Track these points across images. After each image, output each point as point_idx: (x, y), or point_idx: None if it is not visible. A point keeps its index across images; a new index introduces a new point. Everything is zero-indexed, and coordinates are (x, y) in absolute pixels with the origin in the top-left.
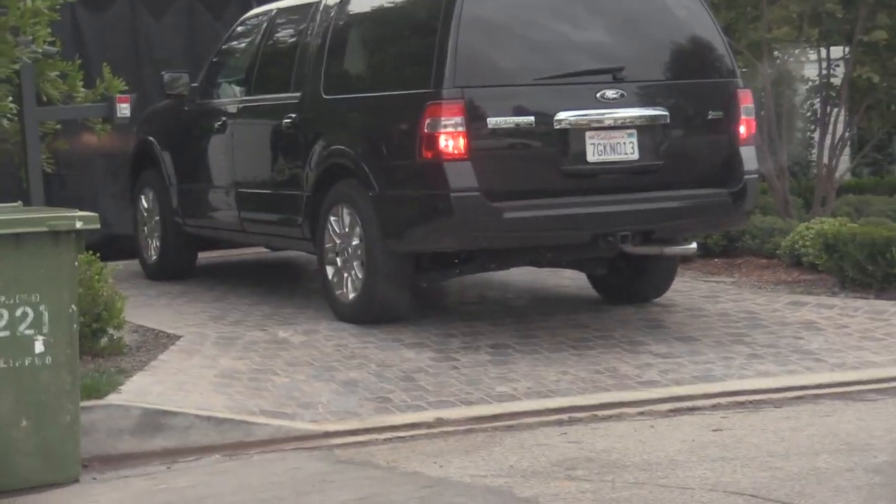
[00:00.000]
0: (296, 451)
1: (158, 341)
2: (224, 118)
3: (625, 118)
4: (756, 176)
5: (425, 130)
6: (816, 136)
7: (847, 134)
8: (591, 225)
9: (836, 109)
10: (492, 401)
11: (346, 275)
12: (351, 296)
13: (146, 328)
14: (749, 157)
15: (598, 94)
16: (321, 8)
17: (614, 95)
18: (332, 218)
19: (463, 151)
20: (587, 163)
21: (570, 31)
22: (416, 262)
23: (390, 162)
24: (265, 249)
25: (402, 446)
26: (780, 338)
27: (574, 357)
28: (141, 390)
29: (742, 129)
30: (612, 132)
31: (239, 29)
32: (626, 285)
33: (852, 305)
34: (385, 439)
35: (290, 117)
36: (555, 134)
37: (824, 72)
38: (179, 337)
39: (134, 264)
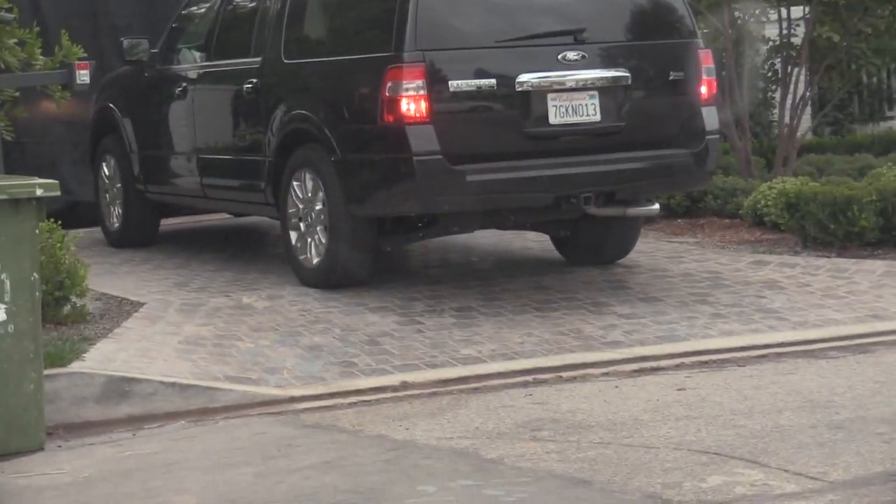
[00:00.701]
0: (261, 416)
1: (122, 309)
2: (184, 84)
3: (586, 80)
4: (717, 136)
5: (387, 94)
6: (777, 96)
7: (808, 94)
8: (553, 187)
9: (796, 69)
10: (457, 363)
11: (309, 240)
12: (315, 261)
13: (109, 296)
14: (710, 117)
15: (559, 56)
16: None
17: (575, 57)
18: (294, 183)
19: (424, 115)
20: (549, 125)
21: None
22: (379, 226)
23: (352, 126)
24: (228, 215)
25: (367, 410)
26: (742, 297)
27: (538, 319)
28: (105, 358)
29: (703, 90)
30: (573, 94)
31: None
32: (590, 247)
33: (814, 264)
34: (350, 403)
35: (250, 82)
36: (516, 96)
37: (785, 32)
38: (143, 304)
39: (96, 232)
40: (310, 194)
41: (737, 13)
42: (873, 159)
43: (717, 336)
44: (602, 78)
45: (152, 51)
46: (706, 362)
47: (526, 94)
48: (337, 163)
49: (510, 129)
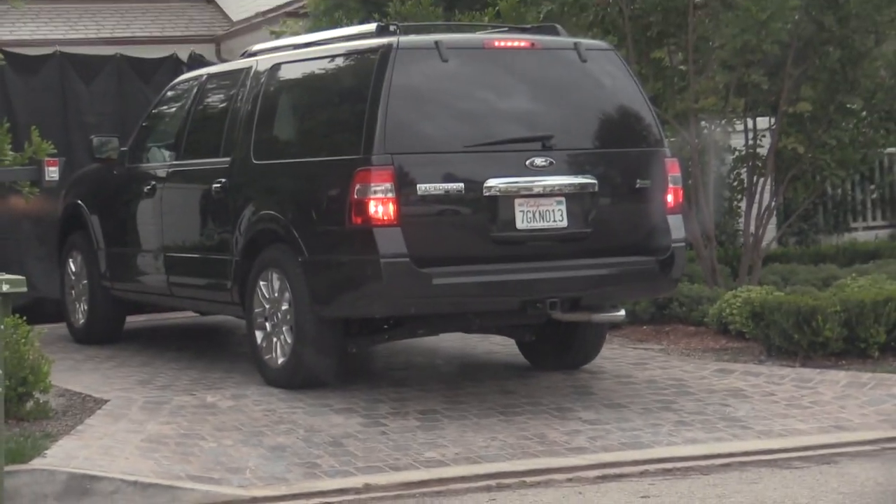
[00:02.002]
0: None
1: (85, 405)
2: (153, 182)
3: (553, 186)
4: (683, 244)
5: (355, 196)
6: (743, 205)
7: (773, 203)
8: (519, 292)
9: (762, 179)
10: (420, 466)
11: (275, 339)
12: (280, 360)
13: (73, 392)
14: (676, 225)
15: (527, 162)
16: (252, 73)
17: (543, 163)
18: (261, 283)
19: (392, 217)
20: (516, 230)
21: (500, 99)
22: (345, 328)
23: (320, 227)
24: (194, 313)
25: None
26: (707, 405)
27: (503, 423)
28: (67, 455)
29: (669, 198)
30: (540, 199)
31: (169, 94)
32: (555, 352)
33: (778, 373)
34: None
35: (219, 182)
36: (484, 201)
37: (751, 142)
38: (106, 401)
39: (61, 328)
40: (276, 294)
41: (703, 123)
42: (837, 270)
43: (682, 444)
44: (569, 184)
45: (122, 149)
46: (670, 470)
47: (493, 198)
48: (304, 263)
49: (477, 233)
